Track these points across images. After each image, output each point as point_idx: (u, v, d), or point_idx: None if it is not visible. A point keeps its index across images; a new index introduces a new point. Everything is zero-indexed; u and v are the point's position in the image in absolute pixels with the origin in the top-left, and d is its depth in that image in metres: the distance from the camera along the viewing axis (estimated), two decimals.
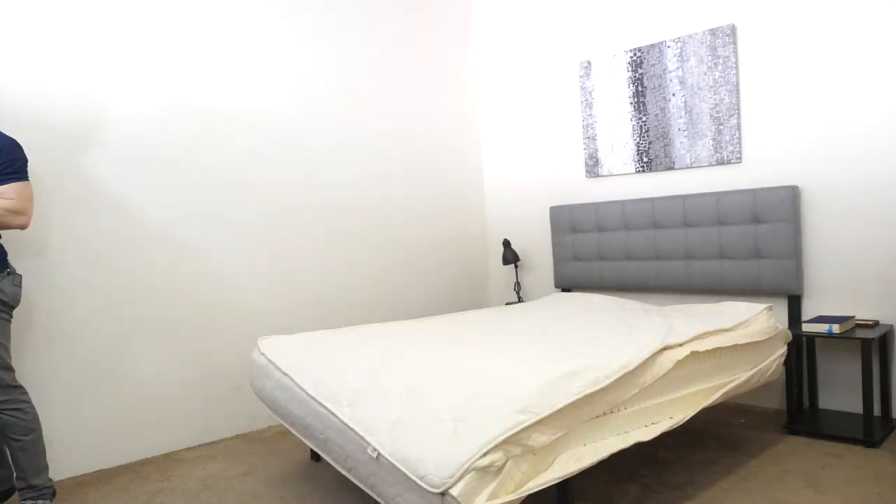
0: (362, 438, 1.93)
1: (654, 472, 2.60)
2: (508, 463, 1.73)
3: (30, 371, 2.80)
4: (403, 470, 1.74)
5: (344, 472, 2.13)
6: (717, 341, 2.52)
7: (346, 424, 2.04)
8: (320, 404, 2.21)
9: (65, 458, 2.88)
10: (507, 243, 4.36)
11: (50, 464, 2.83)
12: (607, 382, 2.02)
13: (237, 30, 3.49)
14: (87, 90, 2.98)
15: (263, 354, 2.69)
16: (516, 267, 4.48)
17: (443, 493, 1.63)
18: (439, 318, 3.27)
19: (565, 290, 4.25)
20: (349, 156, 3.99)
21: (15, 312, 2.77)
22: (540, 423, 1.82)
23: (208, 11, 3.38)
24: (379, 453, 1.84)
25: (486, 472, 1.67)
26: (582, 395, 1.94)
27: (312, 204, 3.80)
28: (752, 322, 2.78)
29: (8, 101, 2.77)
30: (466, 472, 1.63)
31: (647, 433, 2.13)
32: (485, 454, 1.67)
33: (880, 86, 3.00)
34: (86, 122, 2.98)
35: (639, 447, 2.87)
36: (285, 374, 2.49)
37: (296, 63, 3.74)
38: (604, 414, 2.06)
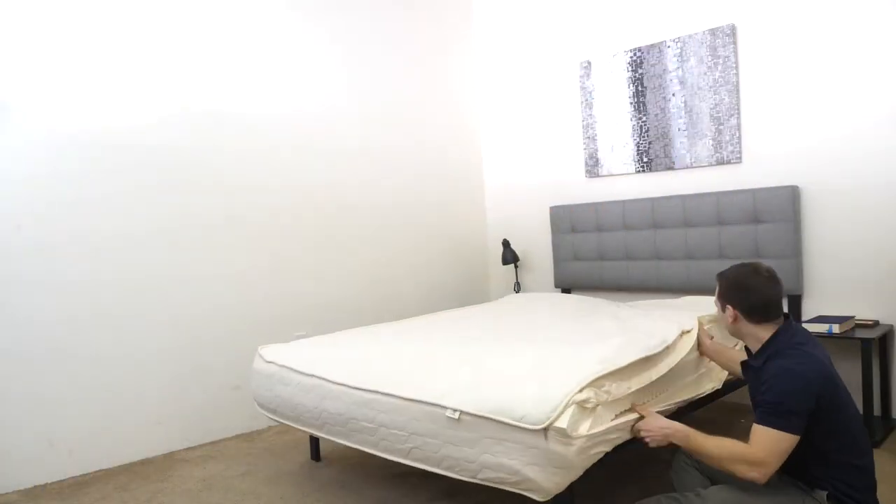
0: (436, 405, 1.98)
1: (655, 472, 2.60)
2: (598, 407, 1.85)
3: (30, 371, 2.80)
4: (498, 418, 1.82)
5: (397, 459, 2.15)
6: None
7: (410, 399, 2.07)
8: (369, 391, 2.20)
9: (65, 458, 2.88)
10: (506, 243, 4.36)
11: (51, 464, 2.84)
12: (661, 348, 2.21)
13: (242, 36, 3.49)
14: (92, 91, 2.98)
15: (272, 362, 2.65)
16: (516, 267, 4.48)
17: (546, 429, 1.75)
18: (436, 316, 3.28)
19: (565, 290, 4.25)
20: (348, 157, 3.98)
21: (15, 312, 2.77)
22: (618, 373, 1.98)
23: (213, 19, 3.37)
24: (461, 412, 1.90)
25: (583, 409, 1.80)
26: (647, 354, 2.13)
27: (311, 205, 3.79)
28: None
29: (14, 106, 2.77)
30: (567, 405, 1.77)
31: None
32: (581, 390, 1.81)
33: (880, 86, 3.00)
34: (88, 123, 2.98)
35: (639, 447, 2.86)
36: (310, 375, 2.45)
37: (296, 67, 3.74)
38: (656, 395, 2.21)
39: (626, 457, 2.74)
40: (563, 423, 1.74)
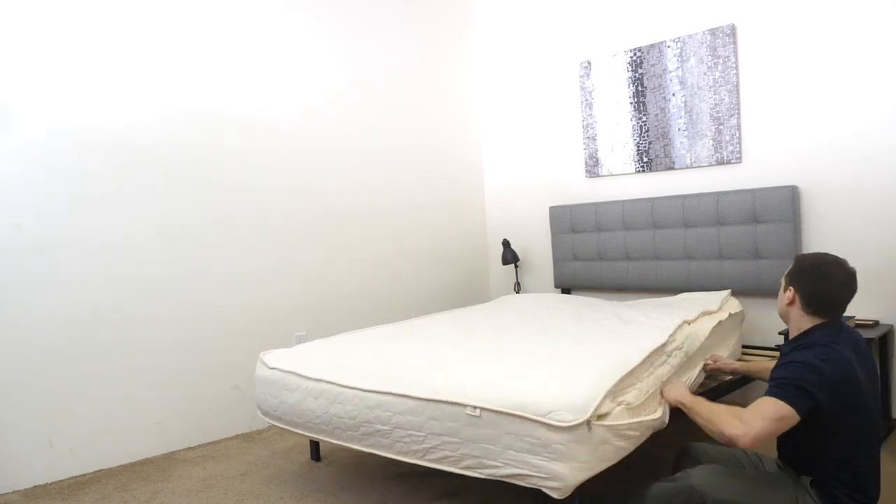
0: (455, 403, 1.99)
1: (654, 472, 2.60)
2: (620, 406, 1.95)
3: (29, 371, 2.80)
4: (523, 415, 1.84)
5: (414, 461, 2.14)
6: (716, 318, 2.91)
7: (426, 399, 2.06)
8: (383, 393, 2.20)
9: (65, 458, 2.88)
10: (506, 243, 4.36)
11: (51, 464, 2.84)
12: (665, 339, 2.37)
13: (243, 35, 3.49)
14: (91, 90, 2.99)
15: (276, 368, 2.61)
16: (516, 267, 4.48)
17: (575, 426, 1.79)
18: (439, 317, 3.28)
19: (565, 290, 4.25)
20: (348, 157, 3.98)
21: (15, 312, 2.77)
22: (632, 375, 2.07)
23: (212, 18, 3.37)
24: (482, 409, 1.92)
25: (608, 409, 1.89)
26: (656, 346, 2.28)
27: (312, 206, 3.79)
28: (725, 304, 3.12)
29: (13, 105, 2.77)
30: (597, 409, 1.83)
31: None
32: (606, 394, 1.89)
33: (880, 86, 3.00)
34: (88, 122, 2.98)
35: (639, 446, 2.86)
36: (318, 380, 2.42)
37: (295, 67, 3.74)
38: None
39: (625, 457, 2.74)
40: (589, 419, 1.82)
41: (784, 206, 3.21)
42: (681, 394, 2.06)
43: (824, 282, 1.76)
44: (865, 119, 3.05)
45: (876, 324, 2.99)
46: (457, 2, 4.66)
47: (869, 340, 2.78)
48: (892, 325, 3.02)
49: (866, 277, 3.09)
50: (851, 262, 3.10)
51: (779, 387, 1.66)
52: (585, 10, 4.09)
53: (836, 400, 1.64)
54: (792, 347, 1.79)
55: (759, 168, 3.39)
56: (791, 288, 1.82)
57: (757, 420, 1.63)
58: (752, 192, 3.31)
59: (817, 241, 3.21)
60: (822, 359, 1.66)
